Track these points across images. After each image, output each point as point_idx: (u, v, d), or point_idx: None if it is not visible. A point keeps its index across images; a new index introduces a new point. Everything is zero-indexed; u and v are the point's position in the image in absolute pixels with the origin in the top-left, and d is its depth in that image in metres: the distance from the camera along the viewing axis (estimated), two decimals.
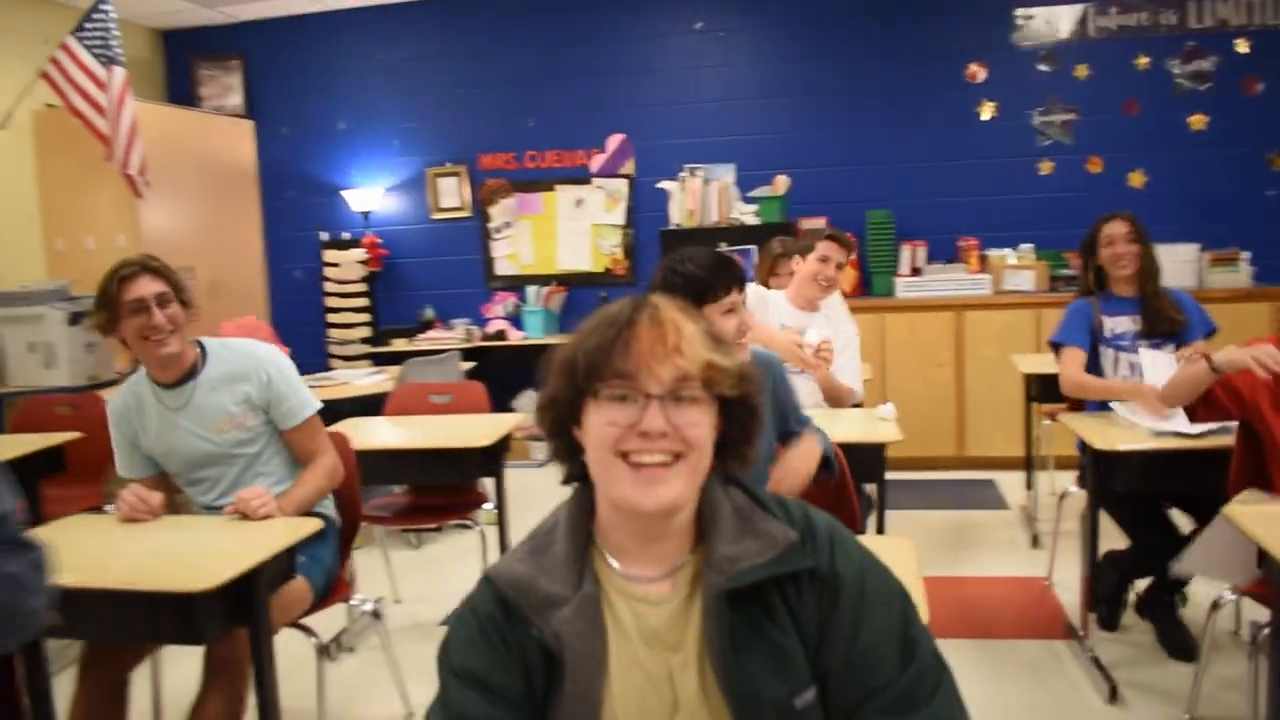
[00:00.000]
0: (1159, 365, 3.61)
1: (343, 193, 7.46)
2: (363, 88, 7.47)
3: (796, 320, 4.20)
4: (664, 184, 6.50)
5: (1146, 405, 3.52)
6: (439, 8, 7.31)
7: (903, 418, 6.17)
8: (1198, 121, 6.58)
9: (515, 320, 7.16)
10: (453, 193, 7.35)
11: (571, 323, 7.10)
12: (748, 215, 6.27)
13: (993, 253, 6.50)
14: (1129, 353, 3.93)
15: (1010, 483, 5.91)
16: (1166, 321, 3.88)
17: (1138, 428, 3.41)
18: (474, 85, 7.30)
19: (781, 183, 6.31)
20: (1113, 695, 3.36)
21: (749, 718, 1.22)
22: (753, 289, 4.30)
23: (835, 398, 4.10)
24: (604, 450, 1.26)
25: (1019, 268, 6.35)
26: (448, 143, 7.38)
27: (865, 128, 6.84)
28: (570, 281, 7.20)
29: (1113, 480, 3.42)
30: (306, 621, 2.89)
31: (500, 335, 6.98)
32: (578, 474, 1.35)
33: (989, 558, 4.83)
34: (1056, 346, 4.03)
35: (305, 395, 3.00)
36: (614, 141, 7.09)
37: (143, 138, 5.67)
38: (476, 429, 3.84)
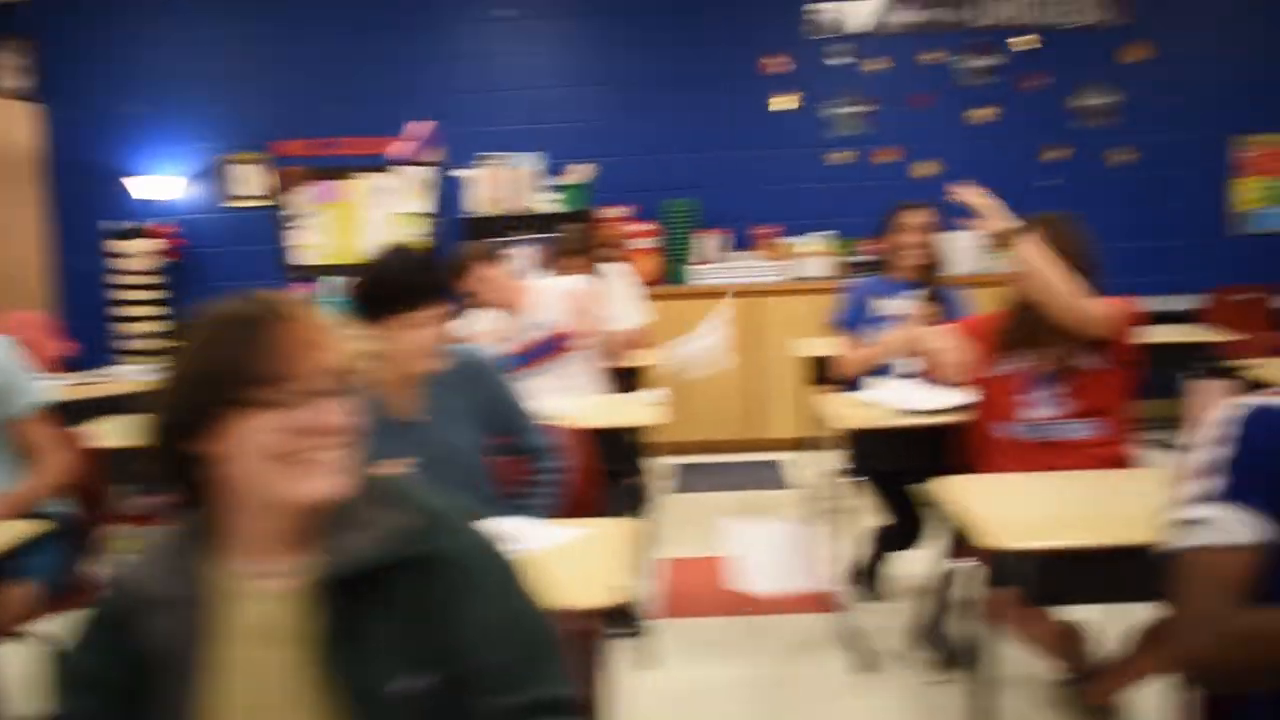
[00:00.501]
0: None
1: (138, 180, 7.14)
2: (161, 71, 7.15)
3: (500, 323, 4.25)
4: (463, 172, 6.44)
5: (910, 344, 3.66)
6: None
7: (698, 402, 6.32)
8: (984, 115, 6.86)
9: None
10: (253, 180, 7.14)
11: None
12: (550, 204, 6.26)
13: (789, 240, 6.65)
14: None
15: (797, 463, 6.08)
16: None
17: (887, 407, 3.54)
18: (275, 69, 7.08)
19: (582, 171, 6.32)
20: (865, 665, 3.49)
21: (361, 706, 1.23)
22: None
23: (614, 351, 4.16)
24: (265, 457, 1.22)
25: (814, 254, 6.51)
26: (248, 128, 7.14)
27: (671, 117, 6.92)
28: None
29: (861, 458, 3.57)
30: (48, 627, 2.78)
31: None
32: (189, 491, 1.30)
33: None
34: (834, 330, 4.22)
35: (32, 388, 2.86)
36: (420, 128, 6.99)
37: None
38: None
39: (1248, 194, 6.94)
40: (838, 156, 6.89)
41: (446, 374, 2.56)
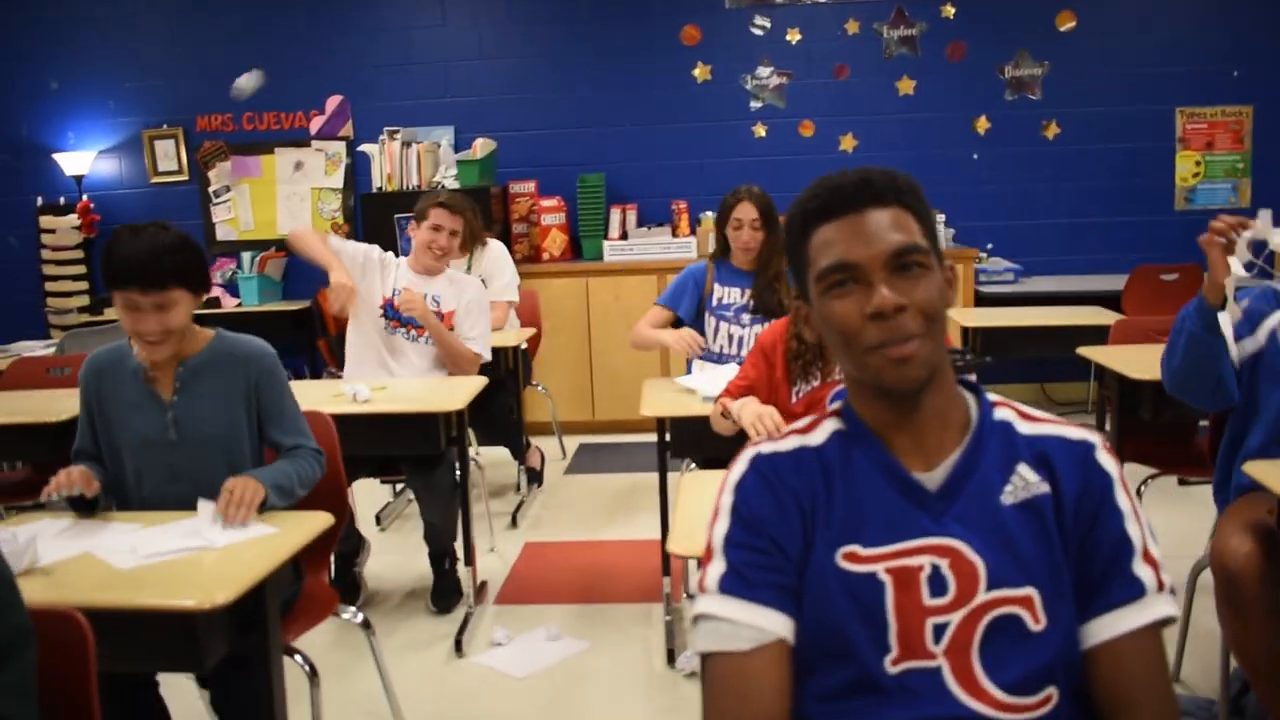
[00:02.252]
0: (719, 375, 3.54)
1: (56, 156, 7.11)
2: (75, 46, 7.07)
3: (415, 284, 4.20)
4: (365, 147, 6.36)
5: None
6: None
7: (607, 382, 6.28)
8: (906, 86, 6.69)
9: (231, 287, 6.95)
10: (170, 155, 7.08)
11: (295, 288, 6.98)
12: (450, 179, 6.17)
13: (704, 215, 6.53)
14: (731, 323, 4.01)
15: None
16: (776, 304, 3.94)
17: (696, 394, 3.46)
18: (191, 44, 6.99)
19: (480, 146, 6.21)
20: (670, 658, 3.42)
21: None
22: (374, 253, 4.25)
23: (455, 361, 4.13)
24: None
25: None
26: (164, 103, 7.07)
27: (581, 90, 6.79)
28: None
29: (678, 444, 3.52)
30: None
31: (213, 303, 6.76)
32: None
33: (643, 521, 4.85)
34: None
35: None
36: (332, 103, 6.91)
37: None
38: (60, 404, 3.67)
39: (1185, 169, 6.75)
40: (756, 129, 6.75)
41: (205, 358, 2.61)
